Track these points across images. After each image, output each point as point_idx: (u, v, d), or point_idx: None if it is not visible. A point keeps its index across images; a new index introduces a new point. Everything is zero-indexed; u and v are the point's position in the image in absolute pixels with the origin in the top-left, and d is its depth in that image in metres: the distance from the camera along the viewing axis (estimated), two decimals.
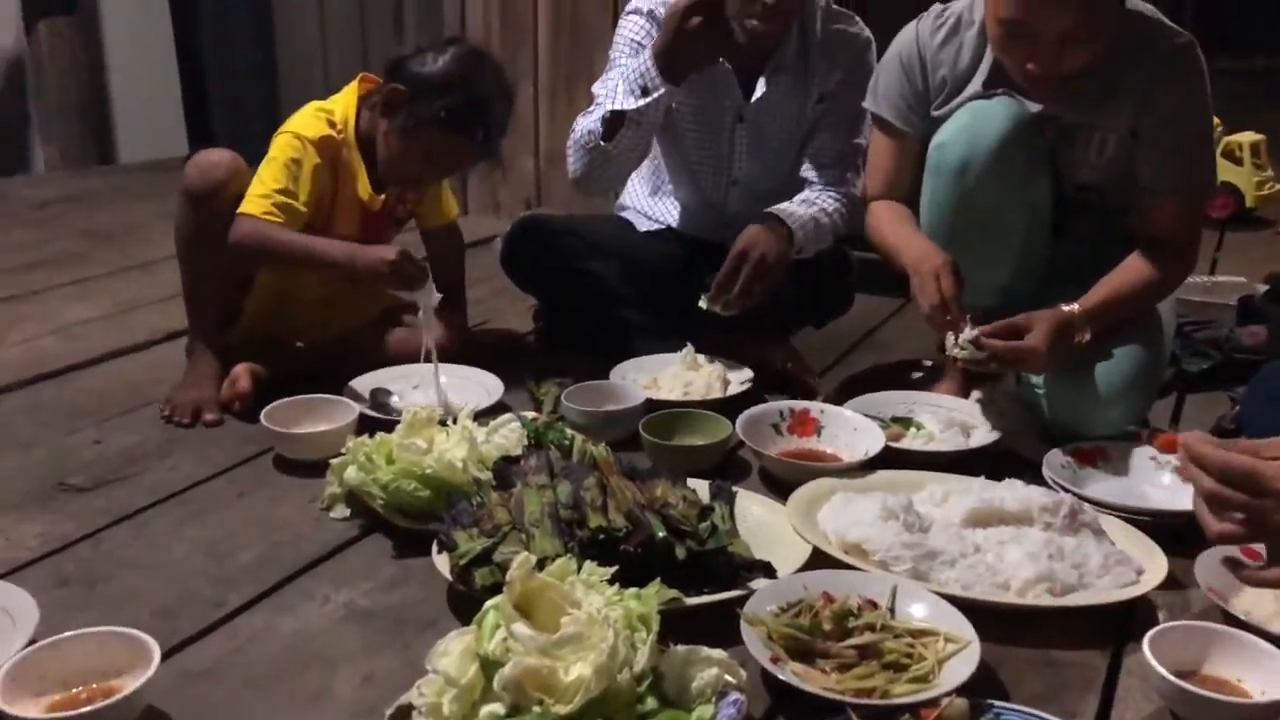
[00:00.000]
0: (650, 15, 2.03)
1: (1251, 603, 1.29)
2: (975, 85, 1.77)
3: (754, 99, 2.05)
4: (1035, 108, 1.74)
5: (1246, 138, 3.58)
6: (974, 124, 1.73)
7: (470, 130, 1.87)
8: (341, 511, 1.53)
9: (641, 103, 1.83)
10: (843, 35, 2.06)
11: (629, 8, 2.09)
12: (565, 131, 3.19)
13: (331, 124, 1.91)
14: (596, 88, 2.02)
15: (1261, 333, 2.18)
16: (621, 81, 1.89)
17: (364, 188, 1.93)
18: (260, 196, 1.81)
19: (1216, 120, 3.47)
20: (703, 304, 2.02)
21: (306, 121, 1.90)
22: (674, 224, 2.23)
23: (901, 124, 1.86)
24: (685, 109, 2.08)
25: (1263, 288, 2.26)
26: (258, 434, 1.74)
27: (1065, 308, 1.69)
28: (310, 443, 1.67)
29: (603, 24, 3.13)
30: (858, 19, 2.10)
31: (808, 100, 2.07)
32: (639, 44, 2.01)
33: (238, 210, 1.81)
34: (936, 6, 1.84)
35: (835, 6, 2.08)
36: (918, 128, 1.84)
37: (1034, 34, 1.58)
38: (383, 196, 1.96)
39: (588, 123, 1.94)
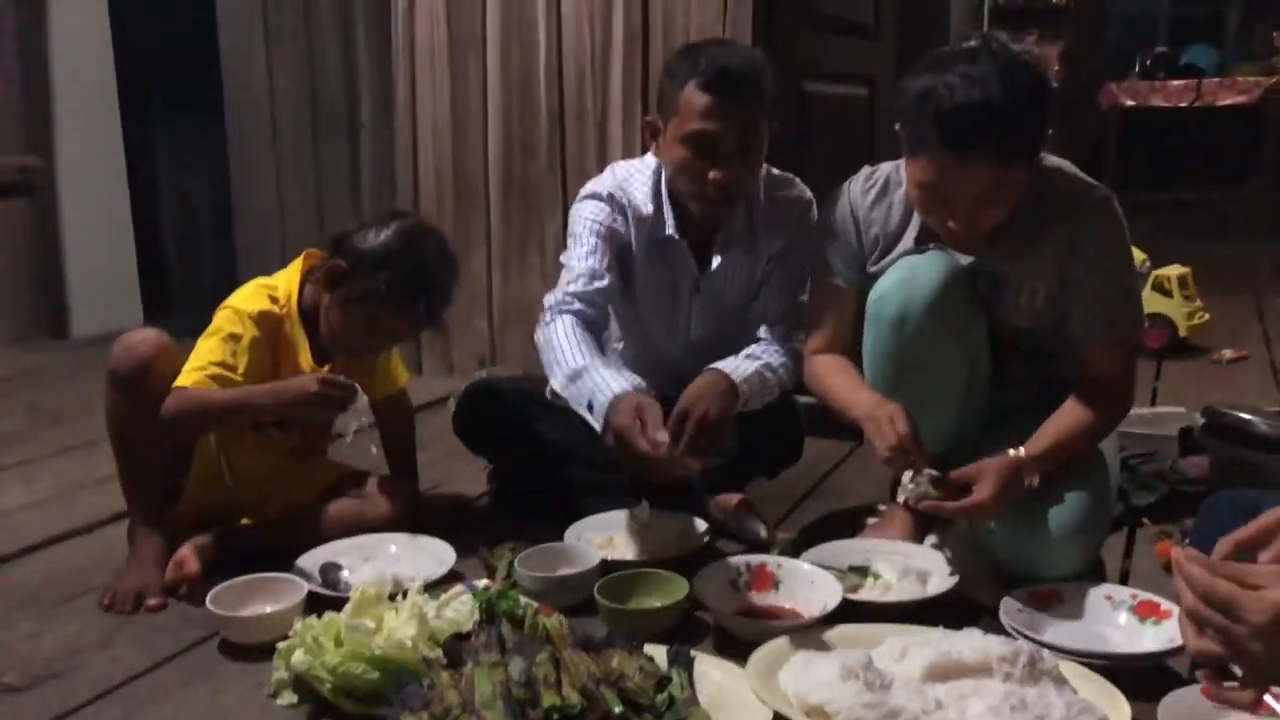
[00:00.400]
0: (610, 199, 2.08)
1: None
2: (907, 241, 1.85)
3: (708, 272, 2.11)
4: (966, 260, 1.81)
5: (1174, 270, 3.72)
6: (909, 278, 1.80)
7: (410, 302, 1.90)
8: (289, 698, 1.47)
9: (582, 412, 1.84)
10: (785, 200, 2.12)
11: (587, 191, 2.12)
12: (519, 292, 3.35)
13: (273, 299, 1.93)
14: (566, 258, 2.06)
15: (1203, 464, 2.22)
16: (584, 360, 1.87)
17: (306, 360, 1.95)
18: (195, 370, 1.82)
19: (1144, 255, 3.64)
20: None
21: (247, 296, 1.93)
22: None
23: (840, 280, 1.93)
24: (643, 280, 2.12)
25: (1201, 419, 2.31)
26: (204, 617, 1.69)
27: (1013, 453, 1.72)
28: (256, 626, 1.62)
29: (551, 189, 3.24)
30: (797, 180, 2.16)
31: (757, 265, 2.13)
32: (601, 224, 2.06)
33: (173, 385, 1.81)
34: (866, 169, 1.93)
35: (775, 172, 2.14)
36: (855, 284, 1.91)
37: (949, 196, 1.66)
38: (326, 368, 1.98)
39: (550, 336, 1.94)
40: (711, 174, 1.93)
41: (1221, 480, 2.10)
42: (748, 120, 1.93)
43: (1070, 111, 6.91)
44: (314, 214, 3.78)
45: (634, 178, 2.11)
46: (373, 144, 3.69)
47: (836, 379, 1.90)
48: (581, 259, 2.03)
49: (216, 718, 1.46)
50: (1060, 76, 7.29)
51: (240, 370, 1.84)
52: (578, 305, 1.98)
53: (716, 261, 2.10)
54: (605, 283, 2.02)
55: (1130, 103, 6.96)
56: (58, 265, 4.37)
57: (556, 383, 1.90)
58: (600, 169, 3.13)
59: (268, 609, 1.65)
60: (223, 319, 1.88)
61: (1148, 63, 7.07)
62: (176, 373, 1.86)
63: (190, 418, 1.82)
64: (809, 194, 2.15)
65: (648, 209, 2.07)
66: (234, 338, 1.86)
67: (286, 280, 1.97)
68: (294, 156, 3.81)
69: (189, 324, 2.02)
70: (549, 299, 2.01)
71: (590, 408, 1.80)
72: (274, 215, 3.87)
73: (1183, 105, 6.80)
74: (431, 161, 3.36)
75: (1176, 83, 6.85)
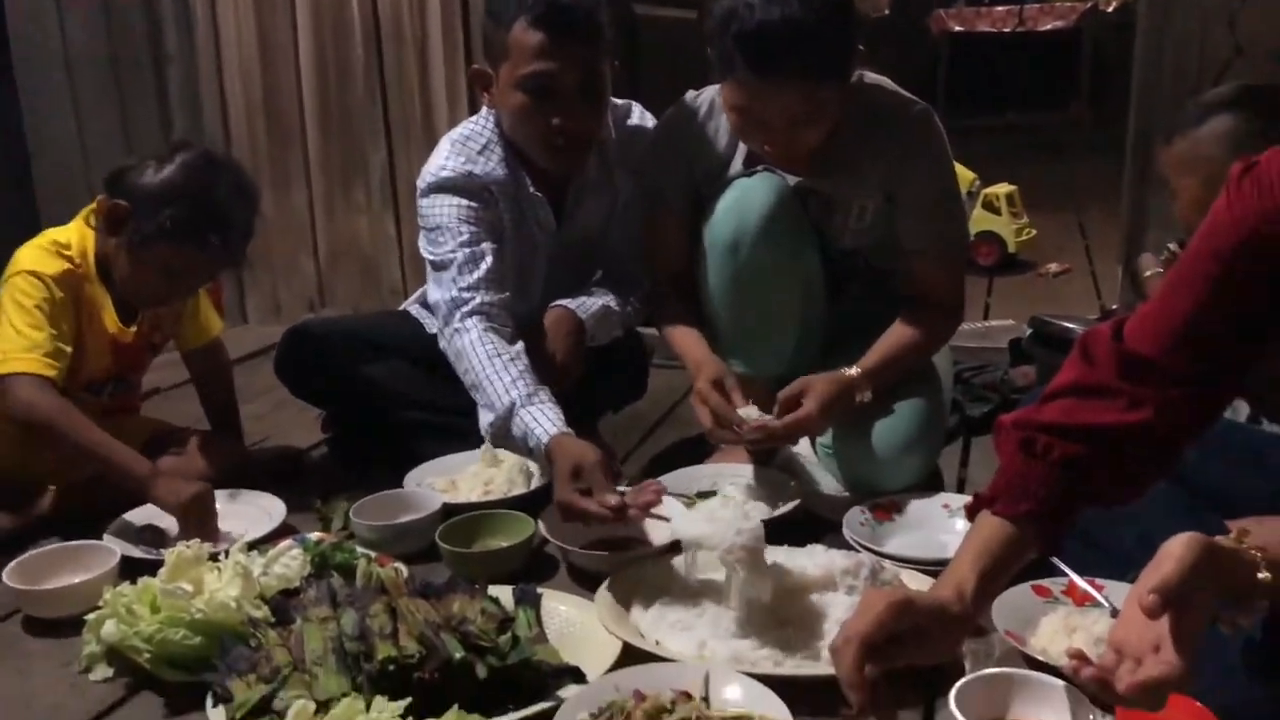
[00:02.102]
0: (467, 183, 1.90)
1: (1047, 640, 1.33)
2: (737, 164, 1.82)
3: (564, 225, 2.01)
4: (795, 181, 1.79)
5: (1002, 189, 3.84)
6: (740, 201, 1.77)
7: (202, 238, 1.75)
8: (103, 672, 1.37)
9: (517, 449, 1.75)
10: (635, 133, 2.02)
11: (434, 181, 1.91)
12: (345, 230, 3.21)
13: (68, 258, 1.76)
14: (431, 253, 1.89)
15: (1031, 372, 2.30)
16: (509, 396, 1.72)
17: (112, 320, 1.80)
18: (26, 351, 1.66)
19: (973, 175, 3.75)
20: None
21: (40, 258, 1.75)
22: None
23: (673, 208, 1.89)
24: (507, 243, 1.99)
25: (1028, 330, 2.40)
26: (3, 593, 1.54)
27: (846, 371, 1.73)
28: (61, 598, 1.49)
29: (372, 117, 3.09)
30: (637, 107, 2.07)
31: (615, 207, 2.05)
32: (468, 211, 1.89)
33: (2, 371, 1.66)
34: (691, 93, 1.88)
35: (617, 101, 2.02)
36: (688, 210, 1.87)
37: (762, 119, 1.65)
38: (134, 328, 1.83)
39: (463, 352, 1.79)
40: (555, 120, 1.81)
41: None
42: (587, 58, 1.80)
43: (901, 38, 7.06)
44: (121, 153, 3.49)
45: (476, 142, 1.94)
46: (182, 78, 3.43)
47: (668, 323, 1.89)
48: (456, 249, 1.86)
49: (22, 703, 1.34)
50: (890, 4, 7.44)
51: (64, 339, 1.71)
52: (478, 299, 1.82)
53: (575, 214, 2.01)
54: (490, 261, 1.86)
55: (958, 28, 7.15)
56: None
57: (486, 421, 1.74)
58: (423, 94, 3.01)
59: (75, 579, 1.53)
60: (24, 287, 1.71)
61: None
62: None
63: (46, 434, 1.67)
64: (650, 119, 2.05)
65: (504, 174, 1.93)
66: (46, 302, 1.70)
67: (78, 234, 1.80)
68: (94, 93, 3.49)
69: None
70: (439, 298, 1.85)
71: (531, 453, 1.71)
72: (76, 155, 3.57)
73: (1006, 30, 7.04)
74: (240, 94, 3.15)
75: (1000, 9, 7.08)
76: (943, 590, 1.09)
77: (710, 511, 1.44)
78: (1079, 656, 0.93)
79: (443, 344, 1.85)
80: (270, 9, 3.07)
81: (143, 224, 1.73)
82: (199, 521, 1.66)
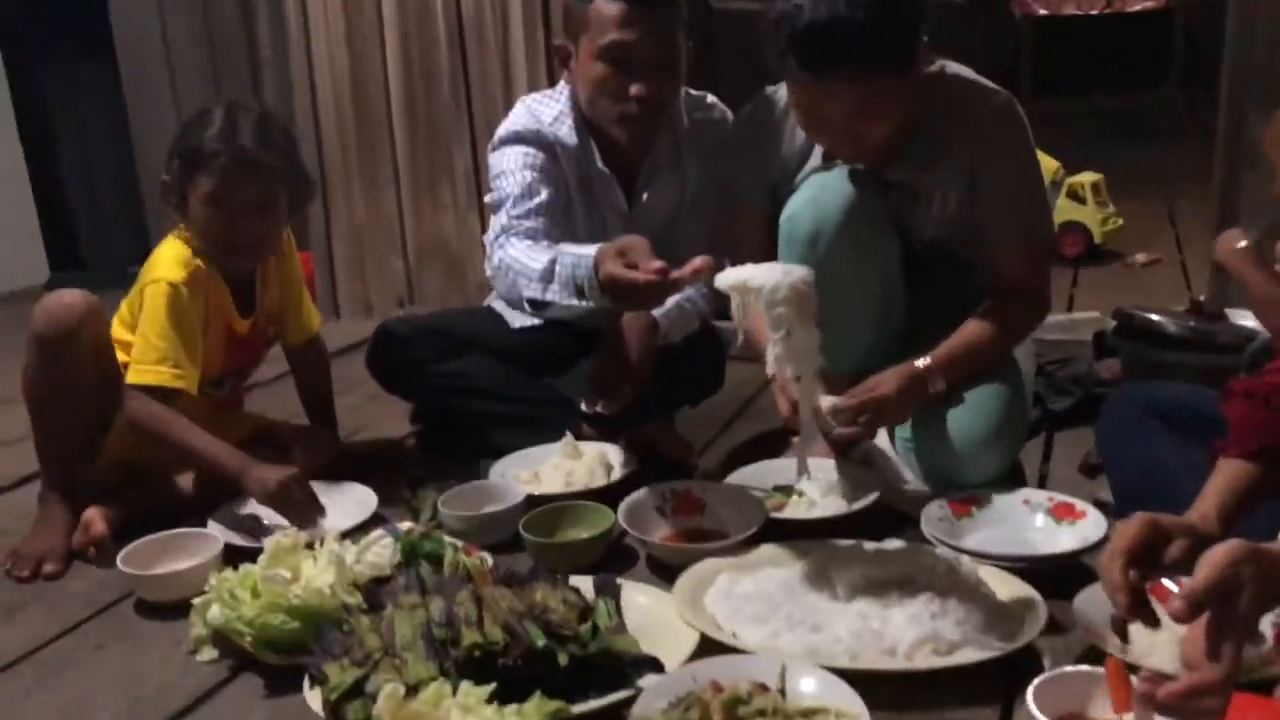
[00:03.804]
0: (536, 139, 1.96)
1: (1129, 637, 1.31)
2: (816, 159, 1.83)
3: (637, 206, 2.05)
4: (877, 174, 1.79)
5: (1087, 178, 3.76)
6: (819, 195, 1.78)
7: (213, 157, 1.77)
8: (209, 654, 1.45)
9: (573, 303, 1.72)
10: (707, 122, 2.07)
11: (505, 134, 1.99)
12: (433, 230, 3.29)
13: (196, 252, 1.84)
14: (494, 197, 1.95)
15: (1116, 366, 2.26)
16: (548, 254, 1.74)
17: (231, 312, 1.90)
18: (153, 364, 1.75)
19: (1057, 164, 3.68)
20: (583, 408, 2.02)
21: (169, 262, 1.82)
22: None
23: (751, 203, 1.91)
24: (574, 218, 2.04)
25: (1113, 322, 2.35)
26: (118, 579, 1.64)
27: (918, 363, 1.73)
28: (170, 582, 1.58)
29: (457, 120, 3.17)
30: (711, 98, 2.12)
31: (684, 194, 2.08)
32: (532, 161, 1.95)
33: (129, 380, 1.76)
34: (769, 89, 1.89)
35: (692, 92, 2.08)
36: (766, 205, 1.89)
37: (823, 117, 1.65)
38: (250, 319, 1.93)
39: (503, 260, 1.82)
40: (633, 88, 1.87)
41: (1131, 380, 2.13)
42: (664, 27, 1.87)
43: (984, 21, 6.93)
44: None
45: (550, 110, 2.01)
46: (276, 81, 3.56)
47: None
48: (514, 186, 1.92)
49: (135, 681, 1.42)
50: None
51: (195, 343, 1.80)
52: (525, 225, 1.88)
53: (645, 196, 2.04)
54: (545, 196, 1.92)
55: (1044, 11, 6.99)
56: None
57: (532, 290, 1.75)
58: (506, 95, 3.09)
59: (182, 565, 1.61)
60: (157, 295, 1.78)
61: None
62: (103, 337, 1.80)
63: (154, 440, 1.78)
64: (725, 110, 2.10)
65: (573, 141, 1.99)
66: (176, 313, 1.78)
67: None
68: (194, 98, 3.65)
69: (104, 281, 1.93)
70: (490, 235, 1.91)
71: (580, 292, 1.67)
72: None
73: (1094, 12, 6.85)
74: (330, 97, 3.24)
75: None
76: (1188, 516, 1.16)
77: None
78: (1149, 680, 0.95)
79: (488, 271, 1.90)
80: (358, 13, 3.16)
81: (180, 178, 1.81)
82: (291, 508, 1.73)
